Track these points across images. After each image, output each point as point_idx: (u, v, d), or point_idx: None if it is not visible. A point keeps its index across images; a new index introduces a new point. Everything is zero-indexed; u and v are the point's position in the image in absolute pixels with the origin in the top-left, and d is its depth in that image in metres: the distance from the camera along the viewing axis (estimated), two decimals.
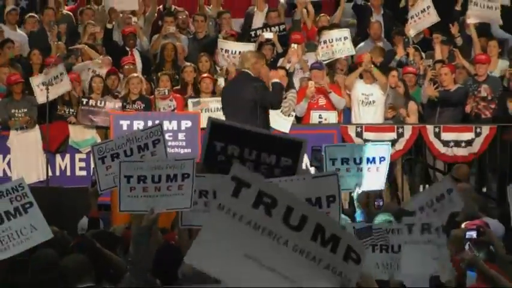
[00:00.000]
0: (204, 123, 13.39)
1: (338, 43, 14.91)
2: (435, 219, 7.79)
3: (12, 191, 6.88)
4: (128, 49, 15.15)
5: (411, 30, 15.48)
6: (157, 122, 13.34)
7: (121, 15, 15.69)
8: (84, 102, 13.88)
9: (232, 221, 3.99)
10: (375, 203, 12.51)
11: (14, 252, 6.89)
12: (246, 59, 12.26)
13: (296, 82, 14.67)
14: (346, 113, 14.61)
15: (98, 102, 13.88)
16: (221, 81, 14.44)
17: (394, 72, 14.45)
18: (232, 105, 11.95)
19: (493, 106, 14.39)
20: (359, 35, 16.15)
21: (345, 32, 15.11)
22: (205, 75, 14.44)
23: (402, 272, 7.05)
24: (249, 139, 7.86)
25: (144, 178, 7.70)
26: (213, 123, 8.06)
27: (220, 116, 13.76)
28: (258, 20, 16.38)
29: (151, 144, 9.20)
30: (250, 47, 14.62)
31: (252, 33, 15.86)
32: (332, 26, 15.58)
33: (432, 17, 15.29)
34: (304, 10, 15.99)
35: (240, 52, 14.40)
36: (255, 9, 16.53)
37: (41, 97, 13.75)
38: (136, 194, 7.71)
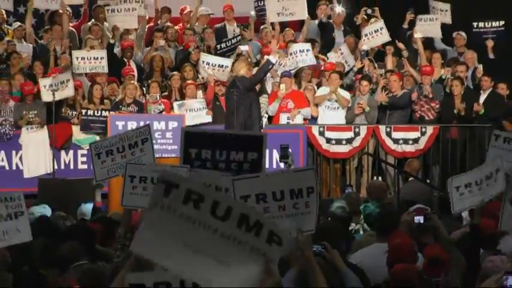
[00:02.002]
0: (187, 122, 13.69)
1: (302, 54, 15.00)
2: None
3: (10, 200, 6.83)
4: (126, 60, 15.14)
5: (364, 46, 15.53)
6: (147, 122, 13.59)
7: (121, 30, 15.67)
8: (84, 113, 13.89)
9: (166, 215, 3.99)
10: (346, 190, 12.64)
11: None
12: (241, 67, 12.63)
13: (268, 87, 14.76)
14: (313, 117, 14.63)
15: (96, 111, 13.90)
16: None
17: (365, 82, 14.56)
18: (234, 103, 12.21)
19: (437, 107, 14.41)
20: (324, 48, 16.14)
21: (307, 45, 15.18)
22: (189, 81, 14.53)
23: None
24: (218, 142, 7.74)
25: (145, 179, 7.75)
26: (186, 132, 7.95)
27: (202, 114, 14.03)
28: (230, 34, 16.34)
29: (140, 142, 9.18)
30: (227, 61, 14.71)
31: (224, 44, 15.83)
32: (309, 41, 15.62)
33: (384, 37, 15.35)
34: (270, 27, 15.91)
35: (219, 65, 14.60)
36: (226, 24, 16.53)
37: (46, 97, 13.78)
38: (137, 192, 7.75)
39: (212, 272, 3.99)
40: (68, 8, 16.14)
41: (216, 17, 16.77)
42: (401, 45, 15.54)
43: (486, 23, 15.84)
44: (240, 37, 15.79)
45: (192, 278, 4.03)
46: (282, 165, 11.74)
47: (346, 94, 14.58)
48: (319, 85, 15.04)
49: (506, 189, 7.68)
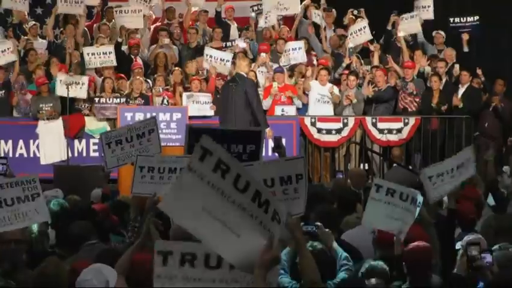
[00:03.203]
0: (191, 113, 13.73)
1: (294, 52, 15.03)
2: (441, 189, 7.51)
3: (26, 183, 6.81)
4: (133, 57, 15.17)
5: (350, 43, 15.50)
6: (154, 114, 13.65)
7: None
8: (97, 101, 13.98)
9: (196, 179, 3.98)
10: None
11: (16, 227, 6.62)
12: (240, 63, 12.68)
13: (261, 79, 14.82)
14: (304, 107, 14.72)
15: (108, 99, 13.99)
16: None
17: (352, 77, 14.64)
18: (233, 97, 12.26)
19: (417, 100, 14.52)
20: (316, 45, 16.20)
21: (300, 44, 15.21)
22: (194, 77, 14.57)
23: (363, 222, 6.93)
24: (220, 136, 7.68)
25: (153, 169, 7.81)
26: (190, 128, 7.92)
27: (207, 108, 14.07)
28: (233, 31, 16.49)
29: (147, 132, 9.20)
30: (229, 55, 14.72)
31: (229, 43, 15.93)
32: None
33: (367, 35, 15.34)
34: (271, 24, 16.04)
35: (221, 58, 14.65)
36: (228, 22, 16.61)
37: (60, 91, 13.80)
38: (145, 181, 7.78)
39: (222, 238, 4.02)
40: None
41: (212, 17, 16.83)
42: (383, 44, 15.65)
43: (462, 18, 15.87)
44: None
45: (203, 239, 4.04)
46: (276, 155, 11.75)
47: (337, 91, 14.67)
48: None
49: None
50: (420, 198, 6.97)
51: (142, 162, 7.92)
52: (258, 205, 4.06)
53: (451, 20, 15.92)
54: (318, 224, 6.10)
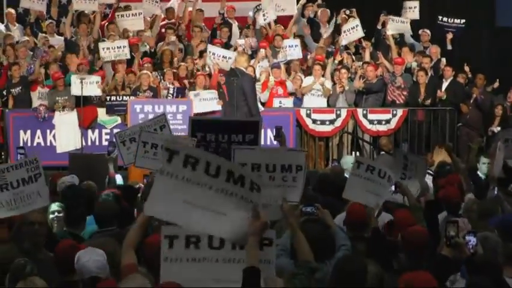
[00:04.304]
0: (196, 108, 13.75)
1: (291, 49, 15.00)
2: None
3: (29, 163, 6.64)
4: (133, 53, 14.94)
5: (343, 41, 15.48)
6: (161, 106, 13.65)
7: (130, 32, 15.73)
8: (108, 99, 13.91)
9: (170, 179, 4.06)
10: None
11: (20, 211, 6.49)
12: (240, 59, 12.69)
13: (259, 74, 14.77)
14: (299, 100, 14.71)
15: (118, 97, 13.93)
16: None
17: (343, 70, 14.60)
18: (233, 89, 12.36)
19: (405, 93, 14.55)
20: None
21: (296, 41, 15.19)
22: (199, 73, 14.56)
23: (344, 194, 6.91)
24: (221, 127, 7.73)
25: (156, 146, 7.86)
26: (193, 120, 7.97)
27: (213, 103, 14.03)
28: (234, 30, 16.41)
29: (159, 129, 9.20)
30: (231, 53, 14.66)
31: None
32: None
33: (359, 33, 15.30)
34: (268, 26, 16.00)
35: (223, 56, 14.63)
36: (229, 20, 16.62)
37: (75, 90, 13.78)
38: (148, 156, 7.87)
39: (212, 222, 4.08)
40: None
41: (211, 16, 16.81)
42: (372, 42, 15.75)
43: (449, 19, 15.86)
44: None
45: (194, 228, 4.13)
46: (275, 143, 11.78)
47: (329, 84, 14.65)
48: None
49: None
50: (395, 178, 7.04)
51: (146, 138, 7.92)
52: (234, 183, 4.11)
53: (440, 18, 15.87)
54: (317, 205, 6.09)
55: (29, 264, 5.42)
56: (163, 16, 16.41)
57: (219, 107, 13.91)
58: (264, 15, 15.72)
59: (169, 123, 9.54)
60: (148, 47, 15.68)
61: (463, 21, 15.75)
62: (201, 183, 4.07)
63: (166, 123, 9.31)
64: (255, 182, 4.17)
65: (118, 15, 15.70)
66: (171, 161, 4.08)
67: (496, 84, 15.11)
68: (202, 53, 15.18)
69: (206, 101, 14.00)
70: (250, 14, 16.59)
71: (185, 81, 14.59)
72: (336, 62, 15.35)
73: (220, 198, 4.08)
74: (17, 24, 16.10)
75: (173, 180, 4.06)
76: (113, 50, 14.56)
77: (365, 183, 6.75)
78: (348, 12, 16.20)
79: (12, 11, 16.09)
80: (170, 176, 4.06)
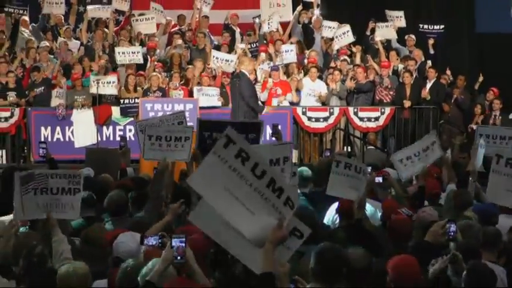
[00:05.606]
0: (202, 103, 13.75)
1: (287, 54, 14.98)
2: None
3: (72, 177, 6.34)
4: (149, 57, 15.01)
5: (336, 46, 15.51)
6: (169, 105, 13.62)
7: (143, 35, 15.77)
8: (122, 102, 13.95)
9: (220, 162, 4.01)
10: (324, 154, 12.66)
11: (54, 216, 6.23)
12: (243, 62, 12.65)
13: (260, 76, 14.77)
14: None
15: (130, 100, 13.94)
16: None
17: (336, 72, 14.60)
18: (235, 90, 12.34)
19: (391, 93, 14.52)
20: (306, 46, 16.13)
21: (292, 46, 15.15)
22: (204, 73, 14.56)
23: (328, 191, 6.98)
24: (226, 127, 7.79)
25: (160, 138, 7.78)
26: (200, 121, 7.97)
27: (215, 100, 14.03)
28: (236, 35, 16.43)
29: (176, 124, 9.08)
30: (232, 57, 14.70)
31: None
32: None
33: (350, 38, 15.31)
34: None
35: (226, 59, 14.61)
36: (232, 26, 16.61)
37: (93, 89, 13.87)
38: (154, 148, 7.80)
39: (239, 215, 4.04)
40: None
41: (216, 22, 16.76)
42: (362, 48, 15.70)
43: (429, 26, 15.86)
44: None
45: (222, 213, 4.06)
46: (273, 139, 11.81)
47: (324, 89, 14.65)
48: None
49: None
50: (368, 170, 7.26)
51: (150, 131, 7.87)
52: (272, 191, 4.06)
53: (421, 26, 15.89)
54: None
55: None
56: (173, 22, 16.41)
57: (219, 103, 13.98)
58: (269, 23, 15.73)
59: (187, 120, 9.50)
60: (160, 51, 15.67)
61: (442, 26, 15.78)
62: (245, 178, 4.02)
63: (183, 120, 9.24)
64: (291, 199, 4.12)
65: (133, 20, 15.81)
66: (226, 148, 4.02)
67: (481, 79, 15.13)
68: (202, 55, 15.17)
69: (208, 97, 14.00)
70: (257, 20, 16.50)
71: (194, 83, 14.53)
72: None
73: (256, 198, 4.03)
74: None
75: (222, 164, 4.01)
76: (128, 54, 14.55)
77: (345, 179, 6.91)
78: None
79: (27, 18, 15.99)
80: (221, 160, 4.01)
